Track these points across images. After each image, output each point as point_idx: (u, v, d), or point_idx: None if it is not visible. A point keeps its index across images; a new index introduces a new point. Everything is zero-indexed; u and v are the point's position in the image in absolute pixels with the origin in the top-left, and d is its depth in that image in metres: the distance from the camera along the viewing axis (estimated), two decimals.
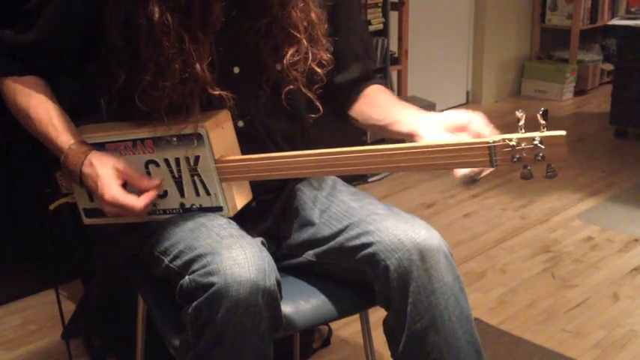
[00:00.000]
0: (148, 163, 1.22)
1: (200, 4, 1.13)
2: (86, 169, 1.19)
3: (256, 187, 1.27)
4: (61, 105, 1.27)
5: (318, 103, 1.27)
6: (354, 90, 1.35)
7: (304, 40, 1.21)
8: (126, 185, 1.20)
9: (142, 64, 1.16)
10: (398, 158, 1.06)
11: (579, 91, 4.74)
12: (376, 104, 1.31)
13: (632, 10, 4.25)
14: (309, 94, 1.25)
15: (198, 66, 1.14)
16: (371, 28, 3.37)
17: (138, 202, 1.18)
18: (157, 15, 1.12)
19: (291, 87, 1.23)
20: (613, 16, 4.78)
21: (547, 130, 0.98)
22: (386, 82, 1.41)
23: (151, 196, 1.20)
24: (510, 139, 0.99)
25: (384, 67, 3.45)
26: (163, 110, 1.17)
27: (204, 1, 1.13)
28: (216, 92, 1.17)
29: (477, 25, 4.48)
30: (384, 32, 3.45)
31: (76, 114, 1.33)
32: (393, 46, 3.69)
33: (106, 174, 1.17)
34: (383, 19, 3.44)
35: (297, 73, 1.22)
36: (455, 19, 4.40)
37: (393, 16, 3.63)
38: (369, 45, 1.42)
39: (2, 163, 2.16)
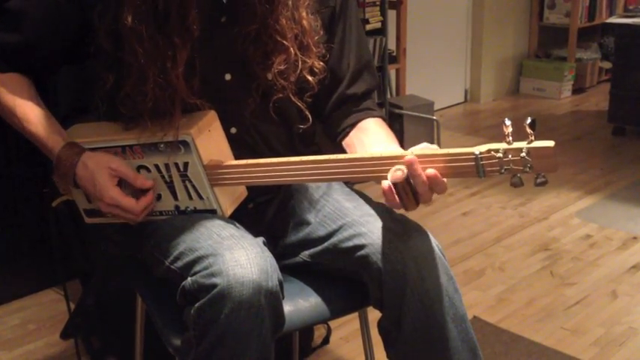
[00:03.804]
0: (139, 168, 1.22)
1: (177, 9, 1.12)
2: (80, 172, 1.18)
3: (252, 189, 1.26)
4: (58, 104, 1.26)
5: (307, 113, 1.26)
6: (348, 123, 1.32)
7: (293, 49, 1.20)
8: (122, 184, 1.20)
9: (126, 68, 1.16)
10: (386, 167, 1.05)
11: (577, 89, 4.74)
12: (363, 141, 1.28)
13: (630, 8, 4.26)
14: (299, 103, 1.24)
15: (172, 73, 1.14)
16: (369, 26, 3.37)
17: (136, 204, 1.18)
18: (130, 19, 1.12)
19: (280, 96, 1.22)
20: (611, 14, 4.78)
21: (536, 134, 0.95)
22: (383, 114, 1.37)
23: (149, 199, 1.20)
24: (497, 150, 0.97)
25: (382, 66, 3.45)
26: (147, 115, 1.16)
27: (182, 6, 1.12)
28: (192, 101, 1.17)
29: (475, 24, 4.48)
30: (382, 31, 3.45)
31: (73, 113, 1.33)
32: (392, 45, 3.69)
33: (103, 175, 1.17)
34: (381, 18, 3.44)
35: (286, 81, 1.21)
36: (453, 18, 4.40)
37: (391, 14, 3.63)
38: (368, 60, 1.36)
39: (0, 162, 2.16)
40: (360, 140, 1.28)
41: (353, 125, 1.32)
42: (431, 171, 1.02)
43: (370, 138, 1.27)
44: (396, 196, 1.04)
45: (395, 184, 1.02)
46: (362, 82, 1.34)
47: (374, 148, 1.22)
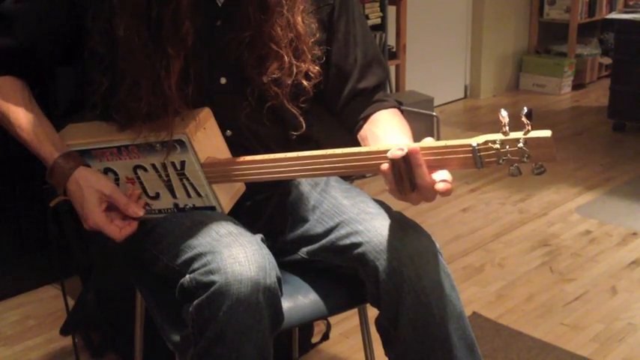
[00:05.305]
0: (135, 168, 1.22)
1: (171, 18, 1.12)
2: (71, 187, 1.18)
3: (251, 186, 1.27)
4: (57, 101, 1.26)
5: (301, 119, 1.27)
6: (361, 117, 1.32)
7: (287, 56, 1.20)
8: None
9: (119, 74, 1.16)
10: (383, 161, 1.05)
11: (577, 85, 4.74)
12: (375, 133, 1.28)
13: (631, 3, 4.25)
14: (293, 110, 1.25)
15: (165, 83, 1.13)
16: (369, 22, 3.37)
17: (119, 234, 1.19)
18: (122, 28, 1.12)
19: (273, 102, 1.23)
20: (611, 9, 4.78)
21: (536, 129, 0.95)
22: (396, 104, 1.36)
23: (132, 229, 1.20)
24: (494, 142, 0.96)
25: None
26: (141, 119, 1.16)
27: (175, 15, 1.12)
28: (185, 111, 1.17)
29: (475, 20, 4.48)
30: (381, 27, 3.45)
31: (72, 110, 1.33)
32: (391, 41, 3.69)
33: (92, 198, 1.17)
34: (381, 14, 3.44)
35: (279, 88, 1.21)
36: (453, 14, 4.39)
37: (391, 10, 3.63)
38: (375, 53, 1.37)
39: (0, 160, 2.15)
40: (372, 133, 1.29)
41: (366, 118, 1.32)
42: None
43: (381, 129, 1.27)
44: (392, 176, 1.03)
45: (393, 163, 1.02)
46: (372, 75, 1.34)
47: (385, 139, 1.22)
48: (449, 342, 1.15)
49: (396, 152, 1.01)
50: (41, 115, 1.24)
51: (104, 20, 1.15)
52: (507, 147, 0.96)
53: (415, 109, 3.45)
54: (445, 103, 4.46)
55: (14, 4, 1.21)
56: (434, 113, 3.52)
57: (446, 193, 1.01)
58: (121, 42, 1.13)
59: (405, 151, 1.00)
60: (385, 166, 1.03)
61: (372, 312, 1.26)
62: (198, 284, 1.07)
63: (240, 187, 1.25)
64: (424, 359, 1.16)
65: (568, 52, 4.67)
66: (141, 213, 1.21)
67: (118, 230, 1.19)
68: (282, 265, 1.28)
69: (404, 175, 1.02)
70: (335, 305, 1.28)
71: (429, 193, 1.02)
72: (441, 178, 1.01)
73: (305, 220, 1.29)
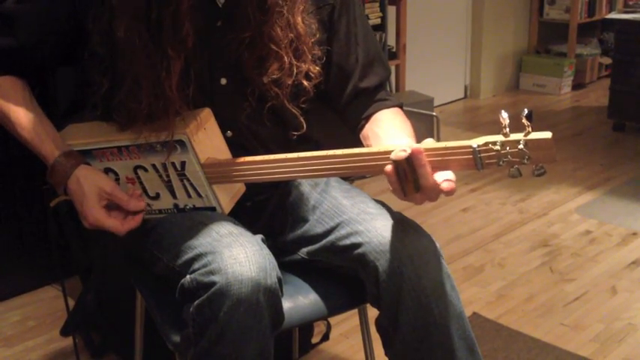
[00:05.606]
0: (136, 168, 1.22)
1: (171, 19, 1.12)
2: (72, 185, 1.18)
3: (251, 187, 1.27)
4: (57, 100, 1.26)
5: (302, 119, 1.27)
6: (363, 116, 1.32)
7: (287, 57, 1.20)
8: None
9: (120, 75, 1.16)
10: (383, 162, 1.05)
11: (577, 85, 4.74)
12: (377, 133, 1.28)
13: (631, 3, 4.25)
14: (294, 110, 1.25)
15: (166, 84, 1.13)
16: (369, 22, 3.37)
17: (121, 227, 1.18)
18: (122, 29, 1.12)
19: (273, 103, 1.23)
20: (611, 9, 4.78)
21: (536, 129, 0.95)
22: (398, 103, 1.36)
23: (137, 222, 1.20)
24: (494, 143, 0.97)
25: None
26: (142, 120, 1.16)
27: (175, 16, 1.12)
28: (185, 112, 1.17)
29: (475, 19, 4.48)
30: (381, 27, 3.45)
31: (72, 110, 1.33)
32: (391, 41, 3.69)
33: (92, 196, 1.17)
34: (381, 14, 3.44)
35: (279, 89, 1.21)
36: (453, 13, 4.39)
37: (391, 10, 3.63)
38: (377, 52, 1.37)
39: (0, 160, 2.15)
40: (374, 132, 1.29)
41: (368, 118, 1.32)
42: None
43: (383, 129, 1.27)
44: (396, 177, 1.03)
45: (396, 165, 1.02)
46: (373, 75, 1.35)
47: (387, 139, 1.22)
48: (449, 342, 1.15)
49: (399, 154, 1.01)
50: (42, 114, 1.24)
51: (104, 22, 1.15)
52: (508, 148, 0.96)
53: (415, 109, 3.45)
54: (445, 103, 4.46)
55: (15, 4, 1.22)
56: (434, 113, 3.52)
57: (450, 193, 1.01)
58: (122, 43, 1.13)
59: (409, 152, 1.00)
60: (389, 167, 1.03)
61: (372, 312, 1.26)
62: (199, 284, 1.07)
63: (240, 188, 1.25)
64: (424, 359, 1.16)
65: (568, 52, 4.67)
66: (142, 204, 1.20)
67: (119, 223, 1.18)
68: (283, 266, 1.28)
69: (408, 176, 1.02)
70: (335, 305, 1.28)
71: (432, 193, 1.03)
72: (445, 177, 1.01)
73: (305, 221, 1.30)
